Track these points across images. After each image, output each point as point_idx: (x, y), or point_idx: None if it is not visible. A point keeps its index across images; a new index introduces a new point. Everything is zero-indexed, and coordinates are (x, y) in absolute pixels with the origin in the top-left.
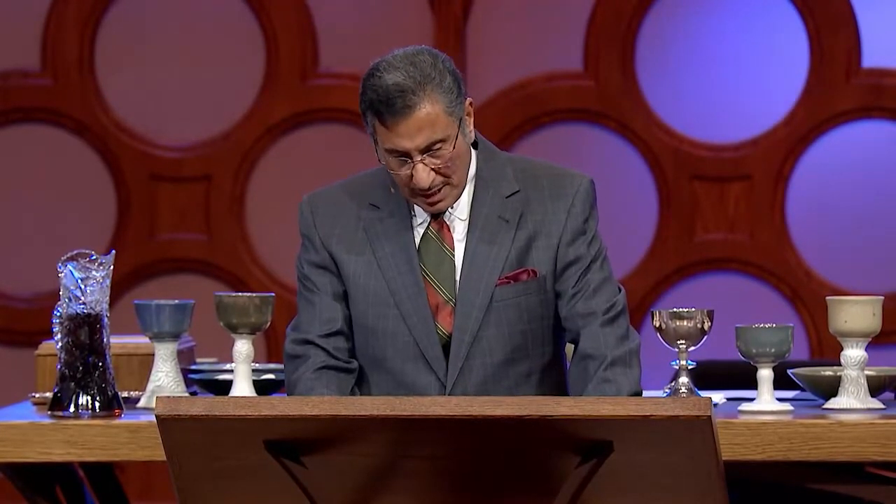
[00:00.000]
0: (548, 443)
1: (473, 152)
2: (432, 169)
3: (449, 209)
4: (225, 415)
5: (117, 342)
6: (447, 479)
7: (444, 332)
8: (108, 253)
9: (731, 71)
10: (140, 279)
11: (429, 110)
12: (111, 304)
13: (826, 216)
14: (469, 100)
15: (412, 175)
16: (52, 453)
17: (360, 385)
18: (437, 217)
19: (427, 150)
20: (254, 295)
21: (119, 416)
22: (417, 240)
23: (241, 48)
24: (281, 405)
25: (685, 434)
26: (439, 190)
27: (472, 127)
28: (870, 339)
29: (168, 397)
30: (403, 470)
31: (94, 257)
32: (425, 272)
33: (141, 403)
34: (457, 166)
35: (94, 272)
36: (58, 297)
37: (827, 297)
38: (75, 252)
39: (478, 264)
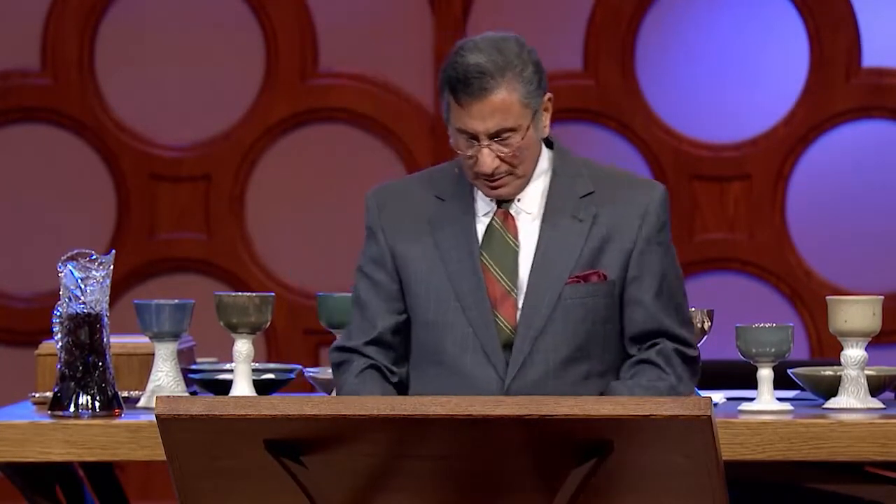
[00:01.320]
0: (548, 442)
1: (548, 151)
2: (498, 156)
3: (516, 200)
4: (225, 414)
5: (117, 342)
6: (447, 479)
7: (505, 324)
8: (107, 252)
9: (730, 70)
10: (140, 279)
11: (504, 97)
12: (111, 303)
13: (826, 216)
14: (549, 95)
15: (477, 158)
16: (52, 453)
17: (419, 381)
18: (503, 207)
19: (496, 135)
20: (254, 294)
21: (119, 415)
22: (481, 230)
23: (240, 48)
24: (281, 405)
25: (685, 434)
26: (502, 177)
27: (547, 123)
28: (870, 339)
29: (168, 397)
30: (404, 469)
31: (93, 257)
32: (488, 262)
33: (141, 403)
34: (523, 157)
35: (93, 272)
36: (58, 297)
37: (827, 297)
38: (75, 251)
39: (549, 260)
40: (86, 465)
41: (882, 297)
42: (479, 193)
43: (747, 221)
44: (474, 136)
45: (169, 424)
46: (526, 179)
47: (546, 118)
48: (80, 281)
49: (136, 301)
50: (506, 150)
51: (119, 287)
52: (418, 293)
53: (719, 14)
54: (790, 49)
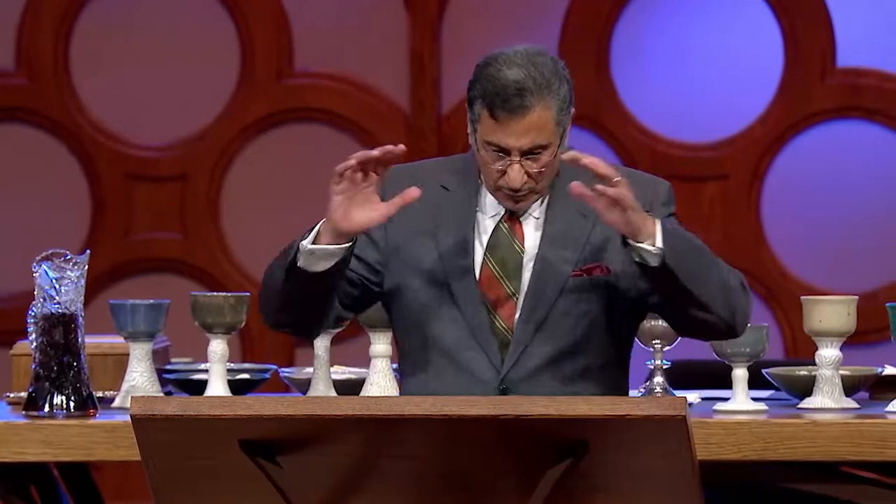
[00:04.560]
0: (523, 442)
1: None
2: (526, 172)
3: None
4: (200, 415)
5: (92, 342)
6: (423, 479)
7: (502, 325)
8: (82, 252)
9: (706, 70)
10: (115, 279)
11: (541, 115)
12: (86, 303)
13: (801, 216)
14: (573, 110)
15: (504, 172)
16: (27, 453)
17: (417, 366)
18: (512, 212)
19: (528, 152)
20: (229, 294)
21: (94, 415)
22: (487, 232)
23: (216, 47)
24: (256, 405)
25: (660, 434)
26: (525, 193)
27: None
28: (844, 339)
29: (143, 397)
30: (379, 470)
31: (68, 257)
32: (491, 265)
33: (116, 403)
34: (547, 173)
35: (68, 272)
36: (32, 297)
37: (802, 297)
38: (50, 251)
39: (553, 254)
40: (61, 466)
41: (856, 297)
42: (484, 194)
43: (723, 221)
44: (505, 151)
45: (144, 424)
46: (543, 194)
47: (567, 133)
48: (54, 281)
49: (110, 301)
50: (534, 165)
51: (94, 287)
52: (413, 277)
53: (694, 14)
54: (765, 49)
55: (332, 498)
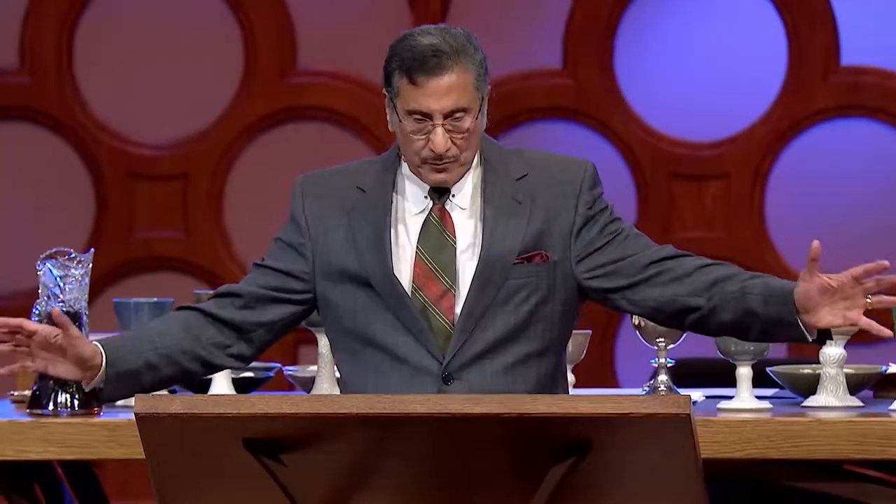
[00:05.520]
0: (527, 441)
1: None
2: (450, 138)
3: (451, 196)
4: (204, 413)
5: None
6: (426, 478)
7: (442, 318)
8: (86, 251)
9: (709, 69)
10: (118, 277)
11: (460, 76)
12: (90, 302)
13: (804, 214)
14: (489, 87)
15: (428, 140)
16: (31, 451)
17: (354, 363)
18: (438, 203)
19: (450, 115)
20: None
21: (97, 413)
22: (417, 226)
23: (219, 46)
24: (260, 403)
25: (664, 432)
26: (449, 162)
27: (485, 116)
28: (848, 337)
29: (147, 395)
30: (382, 468)
31: (72, 255)
32: (426, 259)
33: (120, 402)
34: (471, 142)
35: (72, 270)
36: (37, 295)
37: None
38: (54, 250)
39: (495, 243)
40: (65, 464)
41: None
42: (409, 190)
43: (725, 220)
44: (428, 116)
45: (148, 423)
46: (466, 168)
47: (486, 104)
48: (58, 279)
49: (114, 299)
50: (457, 132)
51: (98, 285)
52: (340, 290)
53: (698, 12)
54: (768, 47)
55: (336, 496)
